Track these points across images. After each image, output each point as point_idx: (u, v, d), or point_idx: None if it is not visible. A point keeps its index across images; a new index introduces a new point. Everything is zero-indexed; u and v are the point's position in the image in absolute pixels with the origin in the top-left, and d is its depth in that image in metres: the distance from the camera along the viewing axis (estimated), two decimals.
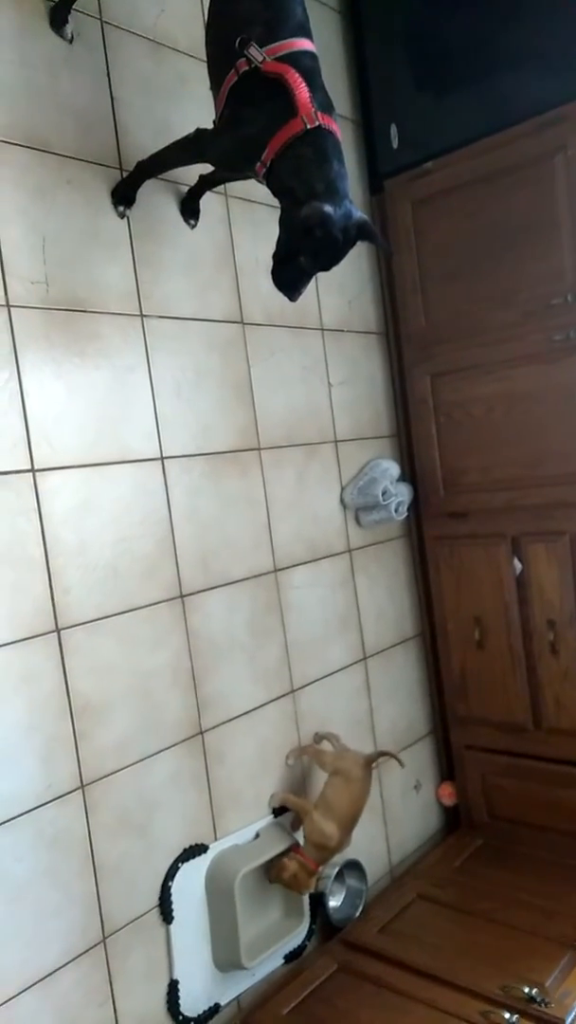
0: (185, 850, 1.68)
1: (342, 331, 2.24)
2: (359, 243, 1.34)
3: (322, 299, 2.17)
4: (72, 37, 1.58)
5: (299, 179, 1.29)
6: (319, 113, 1.31)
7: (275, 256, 1.33)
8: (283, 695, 1.97)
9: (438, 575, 2.37)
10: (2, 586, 1.42)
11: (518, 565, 2.20)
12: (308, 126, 1.30)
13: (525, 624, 2.22)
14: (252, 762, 1.87)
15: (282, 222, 1.33)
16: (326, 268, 1.33)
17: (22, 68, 1.50)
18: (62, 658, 1.49)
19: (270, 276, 1.34)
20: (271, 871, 1.79)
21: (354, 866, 2.10)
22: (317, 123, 1.30)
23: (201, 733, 1.75)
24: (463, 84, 2.17)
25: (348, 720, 2.16)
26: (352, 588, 2.22)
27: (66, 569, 1.52)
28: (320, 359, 2.17)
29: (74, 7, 1.57)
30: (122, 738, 1.59)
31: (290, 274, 1.34)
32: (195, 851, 1.70)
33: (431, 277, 2.26)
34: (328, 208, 1.25)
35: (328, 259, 1.31)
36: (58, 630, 1.49)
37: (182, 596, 1.73)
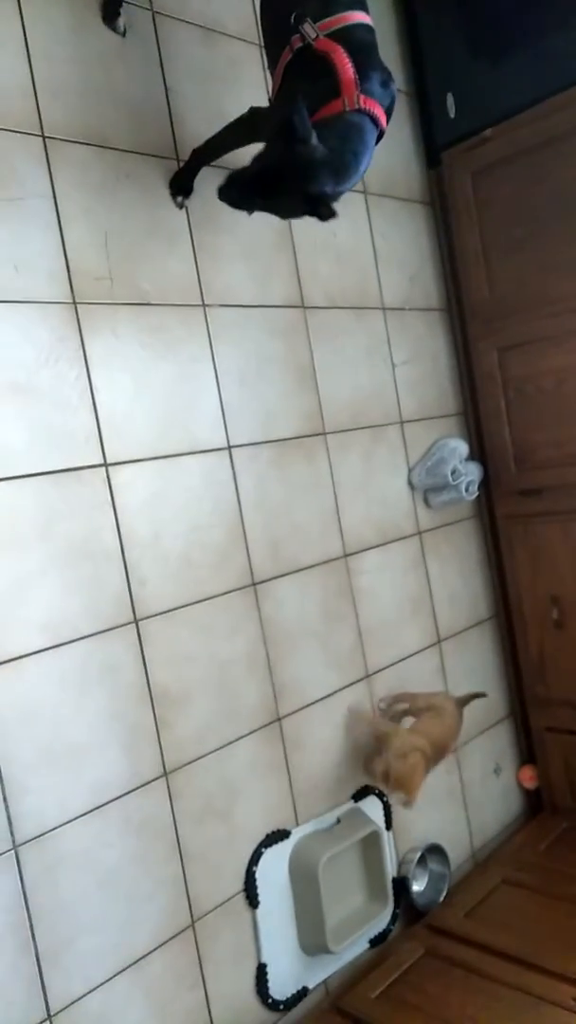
0: (268, 835, 1.70)
1: (404, 309, 2.20)
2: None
3: (382, 277, 2.13)
4: (124, 30, 1.59)
5: (320, 132, 1.22)
6: (361, 96, 1.28)
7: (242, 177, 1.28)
8: (358, 680, 1.96)
9: (512, 555, 2.31)
10: (82, 579, 1.44)
11: None
12: (347, 108, 1.27)
13: None
14: (330, 748, 1.87)
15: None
16: (270, 206, 1.28)
17: (77, 65, 1.51)
18: (141, 648, 1.52)
19: (221, 188, 1.29)
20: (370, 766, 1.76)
21: (436, 850, 2.08)
22: (357, 106, 1.27)
23: (279, 720, 1.76)
24: (518, 47, 2.09)
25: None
26: (424, 571, 2.19)
27: (141, 560, 1.53)
28: (383, 339, 2.13)
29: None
30: (201, 726, 1.60)
31: (236, 193, 1.30)
32: (277, 836, 1.71)
33: (494, 248, 2.19)
34: (310, 128, 1.17)
35: (277, 189, 1.24)
36: (136, 621, 1.52)
37: (254, 584, 1.74)
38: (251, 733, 1.70)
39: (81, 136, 1.50)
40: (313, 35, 1.32)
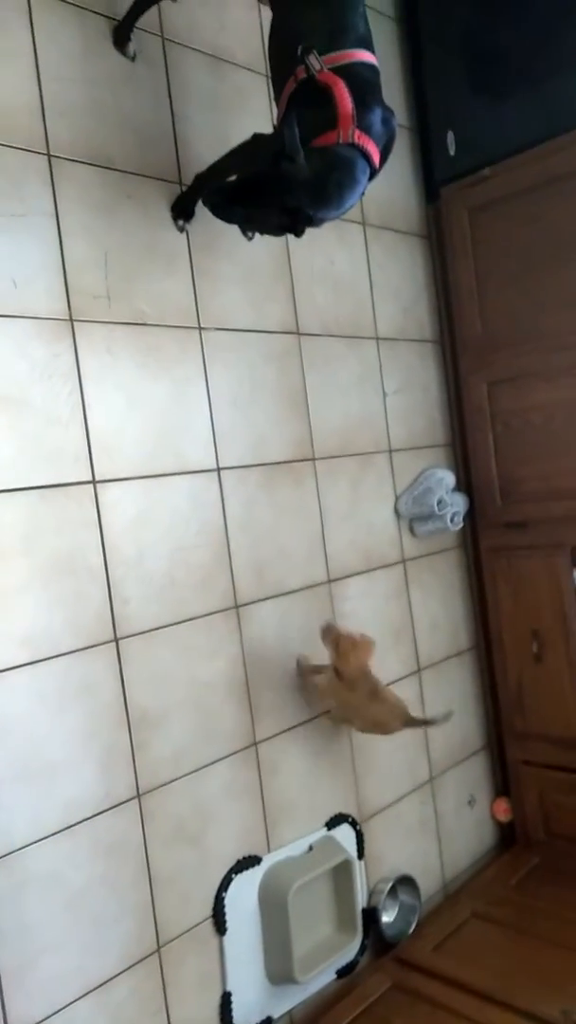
0: (238, 861, 1.68)
1: (397, 339, 2.22)
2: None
3: (377, 307, 2.16)
4: (134, 55, 1.61)
5: (308, 156, 1.27)
6: (357, 132, 1.31)
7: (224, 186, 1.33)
8: None
9: (494, 586, 2.32)
10: (64, 595, 1.44)
11: None
12: (341, 141, 1.30)
13: None
14: (305, 774, 1.86)
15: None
16: (248, 216, 1.33)
17: (86, 87, 1.53)
18: (120, 668, 1.51)
19: (207, 192, 1.35)
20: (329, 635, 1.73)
21: (407, 881, 2.07)
22: (351, 140, 1.30)
23: (255, 744, 1.75)
24: (520, 89, 2.13)
25: (402, 733, 2.13)
26: (406, 599, 2.19)
27: (125, 579, 1.53)
28: (375, 368, 2.15)
29: (136, 25, 1.59)
30: (177, 748, 1.59)
31: (217, 197, 1.34)
32: (248, 863, 1.70)
33: (488, 284, 2.23)
34: (302, 161, 1.22)
35: (253, 206, 1.29)
36: (116, 639, 1.51)
37: (237, 606, 1.74)
38: (227, 757, 1.69)
39: (86, 156, 1.52)
40: (318, 67, 1.34)
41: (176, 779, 1.59)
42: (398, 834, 2.10)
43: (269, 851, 1.76)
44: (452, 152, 2.25)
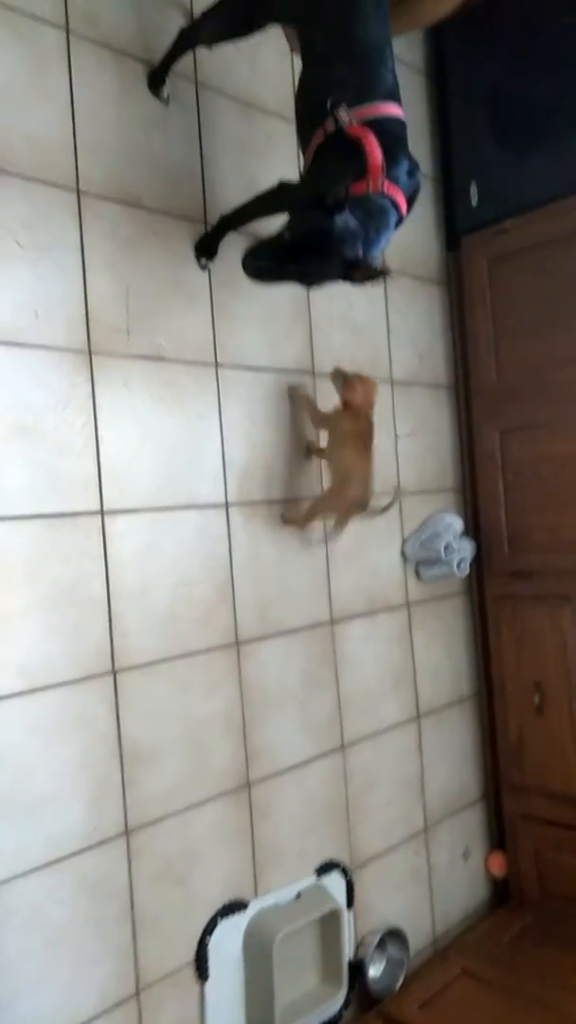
0: (225, 906, 1.65)
1: (412, 384, 2.24)
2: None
3: (393, 351, 2.17)
4: (168, 98, 1.65)
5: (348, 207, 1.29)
6: (386, 182, 1.34)
7: (267, 241, 1.31)
8: (333, 750, 1.93)
9: (498, 635, 2.30)
10: (65, 625, 1.43)
11: None
12: (371, 191, 1.33)
13: None
14: (297, 818, 1.83)
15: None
16: (302, 261, 1.30)
17: (120, 128, 1.57)
18: (116, 701, 1.50)
19: (249, 256, 1.31)
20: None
21: (396, 935, 2.02)
22: (381, 190, 1.33)
23: (248, 785, 1.73)
24: (544, 145, 2.17)
25: (398, 780, 2.10)
26: (409, 643, 2.18)
27: (127, 611, 1.53)
28: (388, 410, 2.16)
29: (171, 70, 1.63)
30: (169, 785, 1.57)
31: (268, 257, 1.32)
32: (235, 907, 1.66)
33: (505, 334, 2.24)
34: (347, 212, 1.24)
35: (310, 252, 1.28)
36: (114, 672, 1.50)
37: (237, 643, 1.73)
38: (219, 796, 1.66)
39: (115, 194, 1.55)
40: (347, 120, 1.37)
41: (166, 817, 1.57)
42: (389, 884, 2.06)
43: (256, 896, 1.72)
44: (474, 203, 2.29)
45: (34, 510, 1.41)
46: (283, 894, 1.77)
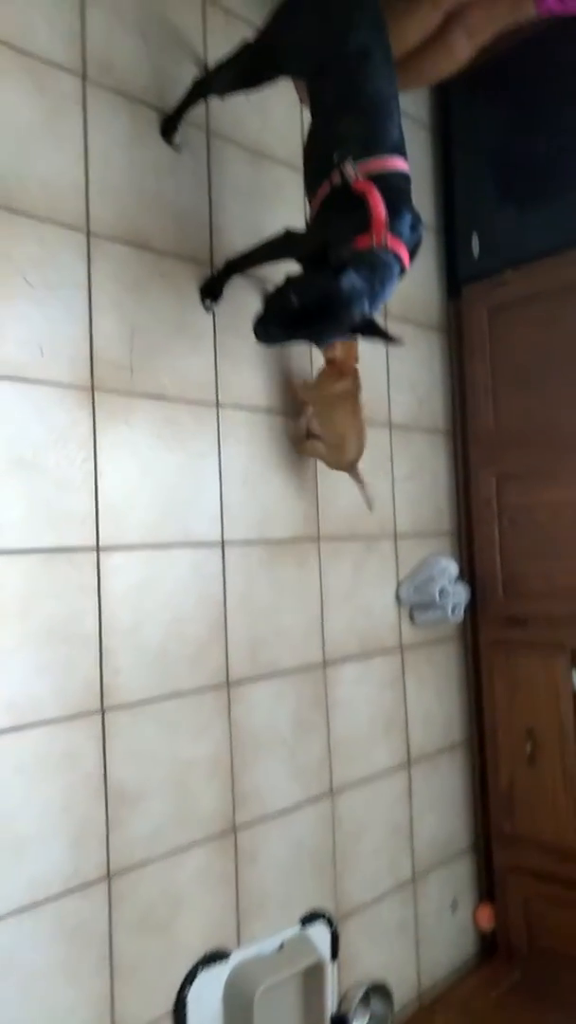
0: (206, 955, 1.61)
1: (410, 428, 2.25)
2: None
3: (393, 396, 2.20)
4: (180, 145, 1.69)
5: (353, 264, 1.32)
6: (389, 236, 1.37)
7: (276, 305, 1.34)
8: (321, 796, 1.90)
9: (491, 682, 2.29)
10: (55, 661, 1.42)
11: None
12: (375, 245, 1.36)
13: None
14: (283, 865, 1.80)
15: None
16: (311, 325, 1.33)
17: (131, 172, 1.60)
18: (104, 740, 1.48)
19: (259, 324, 1.34)
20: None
21: (380, 989, 1.97)
22: (384, 245, 1.36)
23: (234, 830, 1.70)
24: (546, 198, 2.22)
25: (386, 828, 2.07)
26: (401, 688, 2.16)
27: (118, 649, 1.52)
28: (386, 453, 2.18)
29: (183, 118, 1.67)
30: (153, 828, 1.55)
31: (278, 323, 1.35)
32: (216, 957, 1.62)
33: (503, 381, 2.27)
34: (349, 270, 1.27)
35: (319, 316, 1.31)
36: (103, 710, 1.49)
37: (228, 684, 1.71)
38: (204, 841, 1.63)
39: (124, 236, 1.58)
40: (353, 174, 1.40)
41: (149, 862, 1.54)
42: (375, 936, 2.02)
43: (239, 946, 1.68)
44: (476, 254, 2.33)
45: (30, 544, 1.40)
46: (266, 944, 1.73)
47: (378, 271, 1.35)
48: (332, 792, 1.93)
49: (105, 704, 1.49)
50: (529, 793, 2.21)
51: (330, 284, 1.27)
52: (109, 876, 1.47)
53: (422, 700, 2.22)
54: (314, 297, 1.30)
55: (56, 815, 1.40)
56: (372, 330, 1.37)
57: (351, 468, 1.84)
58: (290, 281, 1.33)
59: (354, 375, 1.79)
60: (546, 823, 2.18)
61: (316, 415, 1.86)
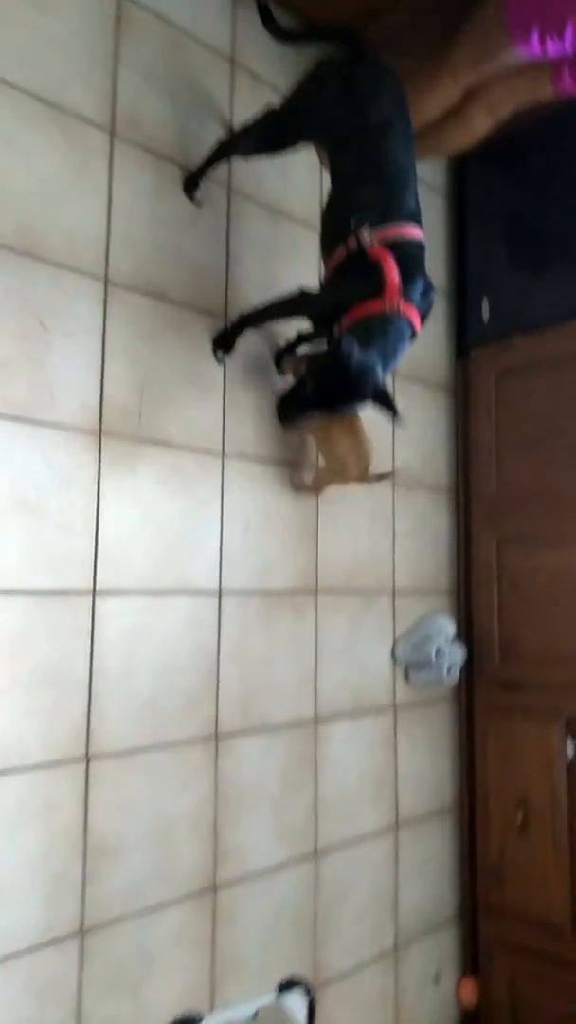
0: (177, 1020, 1.55)
1: (413, 485, 2.26)
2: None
3: (397, 453, 2.21)
4: (201, 201, 1.73)
5: (366, 329, 1.38)
6: (402, 302, 1.40)
7: (293, 391, 1.43)
8: (305, 857, 1.86)
9: (484, 746, 2.25)
10: (43, 705, 1.40)
11: (572, 748, 2.08)
12: (388, 310, 1.39)
13: (574, 814, 2.07)
14: (262, 928, 1.75)
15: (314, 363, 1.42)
16: (327, 404, 1.39)
17: (153, 225, 1.64)
18: (86, 789, 1.45)
19: (280, 409, 1.43)
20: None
21: None
22: (396, 310, 1.39)
23: (214, 888, 1.66)
24: (554, 269, 2.27)
25: (370, 893, 2.02)
26: (392, 748, 2.12)
27: (108, 695, 1.50)
28: (388, 509, 2.18)
29: (206, 175, 1.72)
30: (131, 884, 1.51)
31: (297, 406, 1.42)
32: (188, 1022, 1.56)
33: (508, 444, 2.29)
34: (356, 348, 1.31)
35: (333, 395, 1.37)
36: (88, 758, 1.46)
37: (217, 737, 1.69)
38: (182, 899, 1.59)
39: (141, 286, 1.61)
40: (369, 241, 1.44)
41: (124, 918, 1.49)
42: (353, 1006, 1.95)
43: (212, 1011, 1.62)
44: (485, 318, 2.37)
45: (26, 585, 1.40)
46: (240, 1011, 1.67)
47: (390, 337, 1.38)
48: (317, 853, 1.89)
49: (90, 751, 1.46)
50: (518, 864, 2.16)
51: (342, 373, 1.33)
52: (82, 931, 1.43)
53: (413, 762, 2.18)
54: (328, 383, 1.36)
55: (33, 866, 1.37)
56: (383, 401, 1.40)
57: (362, 481, 1.82)
58: (308, 369, 1.39)
59: None
60: (535, 896, 2.12)
61: (317, 444, 1.87)
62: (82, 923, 1.43)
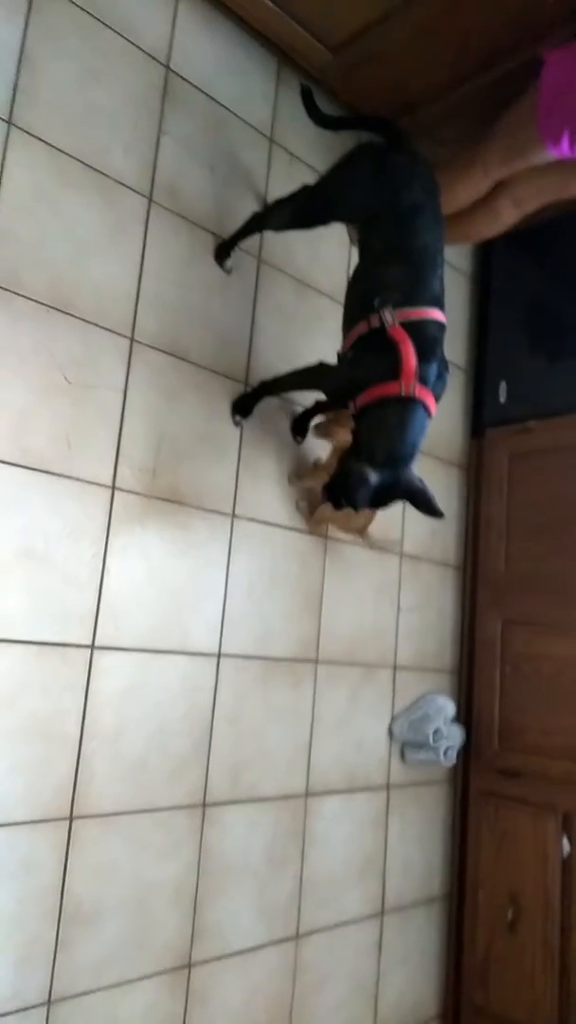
0: None
1: (420, 558, 2.25)
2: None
3: (407, 525, 2.21)
4: (231, 269, 1.78)
5: (370, 436, 1.43)
6: (417, 386, 1.43)
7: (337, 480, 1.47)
8: (286, 939, 1.78)
9: (478, 835, 2.18)
10: (30, 760, 1.37)
11: (567, 846, 2.01)
12: (403, 393, 1.41)
13: (566, 915, 1.99)
14: (235, 1013, 1.66)
15: (342, 461, 1.47)
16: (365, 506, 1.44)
17: (182, 289, 1.68)
18: (67, 851, 1.41)
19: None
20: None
21: None
22: (412, 394, 1.41)
23: (189, 966, 1.58)
24: (573, 357, 2.30)
25: (351, 982, 1.93)
26: (383, 829, 2.06)
27: (97, 754, 1.47)
28: (394, 582, 2.17)
29: (237, 245, 1.77)
30: (104, 954, 1.45)
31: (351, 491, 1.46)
32: None
33: (518, 526, 2.28)
34: (368, 473, 1.38)
35: (364, 502, 1.43)
36: (71, 818, 1.42)
37: (204, 805, 1.64)
38: (155, 975, 1.52)
39: (165, 346, 1.64)
40: (390, 321, 1.46)
41: (94, 991, 1.43)
42: None
43: None
44: (502, 400, 2.39)
45: (25, 635, 1.39)
46: None
47: (406, 423, 1.41)
48: (298, 935, 1.81)
49: (75, 811, 1.42)
50: (506, 964, 2.07)
51: (351, 485, 1.40)
52: (49, 1003, 1.36)
53: (404, 845, 2.11)
54: (339, 487, 1.43)
55: (6, 927, 1.32)
56: (421, 501, 1.45)
57: (361, 537, 1.84)
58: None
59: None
60: (520, 1000, 2.02)
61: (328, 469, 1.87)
62: (50, 993, 1.36)
